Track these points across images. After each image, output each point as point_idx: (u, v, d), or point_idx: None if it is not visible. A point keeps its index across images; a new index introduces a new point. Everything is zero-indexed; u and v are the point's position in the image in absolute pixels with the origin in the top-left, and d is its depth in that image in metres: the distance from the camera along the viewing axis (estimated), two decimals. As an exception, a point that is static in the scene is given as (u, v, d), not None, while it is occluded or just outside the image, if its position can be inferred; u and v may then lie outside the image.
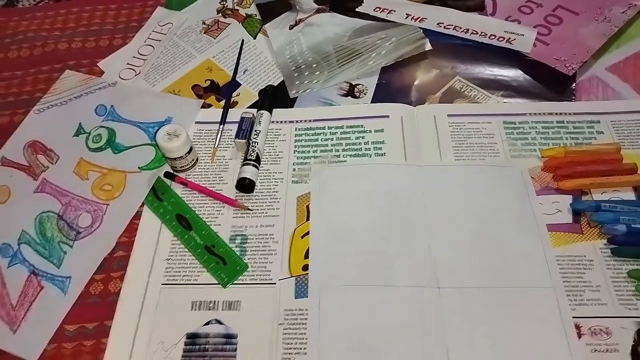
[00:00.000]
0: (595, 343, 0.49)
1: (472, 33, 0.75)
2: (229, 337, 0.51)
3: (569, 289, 0.52)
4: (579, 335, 0.49)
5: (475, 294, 0.52)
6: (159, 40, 0.79)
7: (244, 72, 0.74)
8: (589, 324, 0.50)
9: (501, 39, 0.73)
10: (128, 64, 0.76)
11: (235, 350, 0.50)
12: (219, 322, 0.52)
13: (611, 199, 0.58)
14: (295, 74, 0.73)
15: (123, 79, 0.74)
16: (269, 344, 0.51)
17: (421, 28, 0.75)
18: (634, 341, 0.49)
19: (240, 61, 0.75)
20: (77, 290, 0.55)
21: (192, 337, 0.51)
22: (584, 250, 0.55)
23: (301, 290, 0.54)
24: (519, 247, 0.55)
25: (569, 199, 0.58)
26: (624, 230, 0.54)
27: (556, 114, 0.66)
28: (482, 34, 0.74)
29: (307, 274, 0.55)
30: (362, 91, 0.71)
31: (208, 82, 0.73)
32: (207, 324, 0.52)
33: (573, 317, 0.50)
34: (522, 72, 0.71)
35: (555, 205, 0.58)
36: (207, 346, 0.51)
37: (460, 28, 0.75)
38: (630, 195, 0.59)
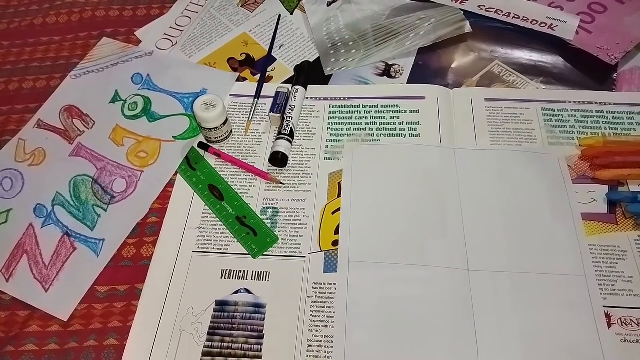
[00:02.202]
0: (625, 333, 0.49)
1: (513, 17, 0.73)
2: (258, 307, 0.52)
3: (600, 278, 0.52)
4: (609, 325, 0.49)
5: (505, 278, 0.52)
6: (196, 12, 0.79)
7: (280, 48, 0.74)
8: (620, 314, 0.50)
9: (543, 24, 0.72)
10: (165, 34, 0.76)
11: (264, 319, 0.51)
12: (248, 291, 0.53)
13: (649, 191, 0.57)
14: (332, 52, 0.72)
15: (160, 49, 0.74)
16: (297, 315, 0.51)
17: (462, 10, 0.74)
18: (665, 334, 0.48)
19: (277, 36, 0.75)
20: (110, 252, 0.56)
21: (221, 305, 0.52)
22: (618, 240, 0.54)
23: (330, 265, 0.54)
24: (552, 234, 0.54)
25: (605, 189, 0.58)
26: (660, 223, 0.53)
27: (596, 103, 0.65)
28: (524, 18, 0.73)
29: (336, 249, 0.55)
30: (398, 71, 0.71)
31: (244, 56, 0.73)
32: (236, 292, 0.53)
33: (604, 307, 0.50)
34: (562, 60, 0.70)
35: (591, 194, 0.57)
36: (235, 314, 0.52)
37: (502, 12, 0.74)
38: (668, 189, 0.58)
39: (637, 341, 0.48)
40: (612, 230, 0.55)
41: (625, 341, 0.48)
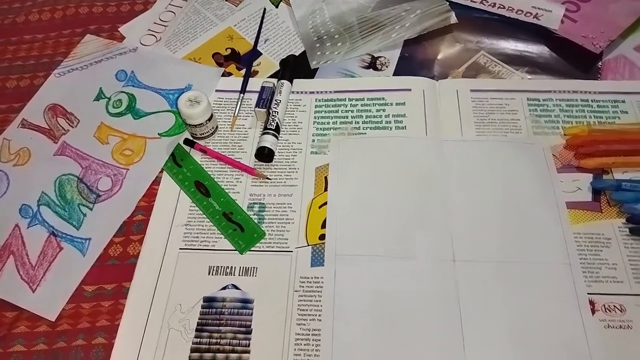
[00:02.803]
0: (609, 319, 0.49)
1: (499, 7, 0.73)
2: (246, 302, 0.52)
3: (585, 266, 0.52)
4: (593, 312, 0.50)
5: (491, 268, 0.52)
6: (180, 7, 0.78)
7: (265, 42, 0.74)
8: (604, 300, 0.50)
9: (528, 14, 0.72)
10: (149, 29, 0.76)
11: (252, 314, 0.51)
12: (235, 287, 0.53)
13: (633, 178, 0.57)
14: (317, 45, 0.72)
15: (144, 44, 0.74)
16: (285, 309, 0.51)
17: (447, 0, 0.74)
18: (648, 319, 0.49)
19: (262, 30, 0.75)
20: (96, 251, 0.56)
21: (209, 301, 0.52)
22: (603, 228, 0.54)
23: (317, 259, 0.54)
24: (537, 223, 0.55)
25: (589, 177, 0.58)
26: (644, 211, 0.54)
27: (581, 92, 0.65)
28: (509, 8, 0.73)
29: (323, 243, 0.55)
30: (384, 64, 0.71)
31: (229, 51, 0.73)
32: (224, 288, 0.53)
33: (588, 294, 0.51)
34: (548, 49, 0.70)
35: (575, 183, 0.57)
36: (223, 310, 0.52)
37: (487, 2, 0.73)
38: (652, 176, 0.58)
39: (621, 327, 0.49)
40: (597, 218, 0.55)
41: (609, 327, 0.49)
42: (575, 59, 0.69)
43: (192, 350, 0.50)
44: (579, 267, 0.52)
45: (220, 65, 0.71)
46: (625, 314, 0.49)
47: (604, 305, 0.50)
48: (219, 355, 0.49)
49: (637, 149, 0.59)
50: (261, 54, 0.72)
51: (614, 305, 0.50)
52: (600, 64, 0.68)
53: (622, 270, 0.52)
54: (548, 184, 0.57)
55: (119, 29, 0.77)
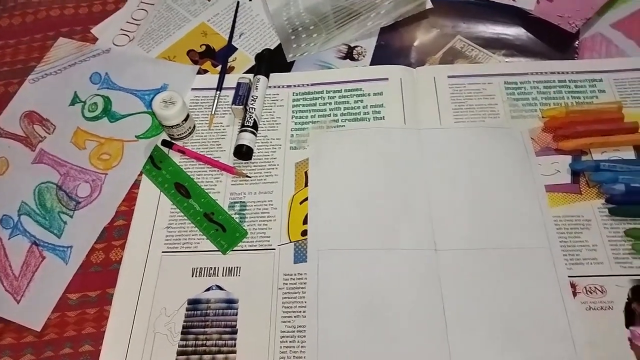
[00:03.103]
0: (590, 301, 0.50)
1: (473, -10, 0.72)
2: (230, 302, 0.52)
3: (565, 248, 0.52)
4: (574, 294, 0.50)
5: (472, 256, 0.53)
6: (152, 4, 0.77)
7: (240, 36, 0.73)
8: (585, 282, 0.51)
9: (503, -5, 0.71)
10: (122, 29, 0.75)
11: (237, 314, 0.51)
12: (219, 287, 0.53)
13: (611, 158, 0.58)
14: (293, 37, 0.71)
15: (117, 45, 0.73)
16: (269, 307, 0.51)
17: (421, -14, 0.73)
18: (628, 298, 0.50)
19: (236, 24, 0.74)
20: (78, 259, 0.56)
21: (194, 303, 0.52)
22: (582, 210, 0.55)
23: (300, 255, 0.54)
24: (516, 208, 0.55)
25: (568, 159, 0.58)
26: (622, 190, 0.54)
27: (558, 72, 0.65)
28: (484, -10, 0.72)
29: (306, 239, 0.55)
30: (361, 53, 0.70)
31: (203, 47, 0.72)
32: (208, 289, 0.53)
33: (569, 277, 0.51)
34: (524, 31, 0.70)
35: (554, 165, 0.58)
36: (208, 311, 0.52)
37: (461, -15, 0.73)
38: (630, 155, 0.58)
39: (602, 308, 0.49)
40: (576, 200, 0.55)
41: (590, 309, 0.49)
42: (552, 40, 0.68)
43: (179, 354, 0.50)
44: (559, 250, 0.52)
45: (195, 62, 0.70)
46: (606, 295, 0.50)
47: (585, 287, 0.50)
48: (205, 356, 0.50)
49: (615, 128, 0.59)
50: (236, 49, 0.71)
51: (595, 287, 0.50)
52: (577, 43, 0.68)
53: (602, 251, 0.52)
54: (526, 168, 0.57)
55: (91, 31, 0.75)
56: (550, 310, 0.49)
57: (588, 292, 0.50)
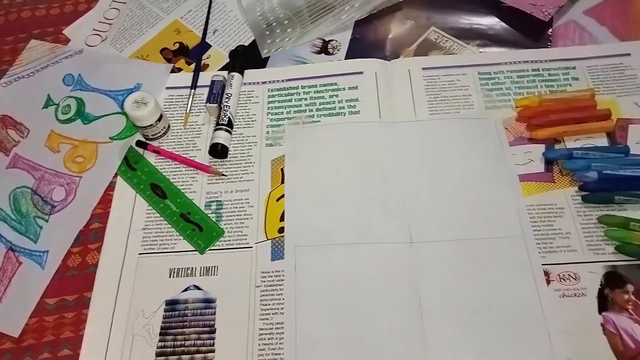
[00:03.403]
0: (564, 288, 0.50)
1: (446, -20, 0.72)
2: (208, 302, 0.52)
3: (538, 237, 0.53)
4: (548, 282, 0.51)
5: (447, 247, 0.53)
6: (124, 3, 0.76)
7: (214, 33, 0.72)
8: (558, 270, 0.51)
9: (476, -16, 0.71)
10: (94, 29, 0.74)
11: (215, 313, 0.52)
12: (197, 287, 0.53)
13: (584, 146, 0.58)
14: (267, 32, 0.71)
15: (89, 45, 0.72)
16: (247, 306, 0.52)
17: (394, -23, 0.73)
18: (601, 284, 0.50)
19: (210, 21, 0.73)
20: (55, 264, 0.56)
21: (172, 304, 0.52)
22: (555, 198, 0.55)
23: (277, 253, 0.54)
24: (490, 199, 0.55)
25: (542, 148, 0.58)
26: (595, 177, 0.54)
27: (531, 61, 0.65)
28: (457, -20, 0.72)
29: (283, 236, 0.55)
30: (336, 47, 0.70)
31: (177, 45, 0.71)
32: (186, 290, 0.53)
33: (542, 265, 0.51)
34: (498, 20, 0.70)
35: (528, 155, 0.58)
36: (186, 311, 0.52)
37: (434, -25, 0.73)
38: (603, 142, 0.59)
39: (575, 294, 0.50)
40: (549, 189, 0.56)
41: (563, 296, 0.50)
42: (525, 28, 0.68)
43: (158, 355, 0.50)
44: (532, 239, 0.53)
45: (169, 61, 0.70)
46: (579, 282, 0.50)
47: (559, 275, 0.51)
48: (184, 357, 0.50)
49: (588, 115, 0.59)
50: (210, 46, 0.71)
51: (569, 274, 0.51)
52: (550, 31, 0.68)
53: (575, 238, 0.53)
54: (500, 159, 0.57)
55: (63, 32, 0.74)
56: (524, 298, 0.50)
57: (562, 280, 0.51)
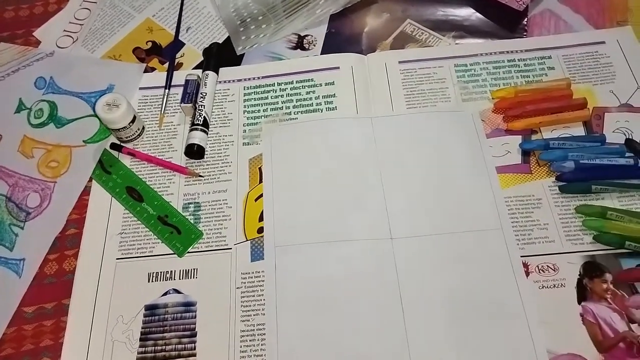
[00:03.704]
0: (542, 280, 0.51)
1: (420, -29, 0.72)
2: (188, 305, 0.52)
3: (517, 229, 0.53)
4: (527, 274, 0.51)
5: (427, 242, 0.53)
6: (95, 2, 0.74)
7: (187, 30, 0.71)
8: (537, 261, 0.51)
9: (450, -25, 0.71)
10: (65, 30, 0.72)
11: (195, 317, 0.51)
12: (177, 291, 0.53)
13: (561, 135, 0.58)
14: (241, 29, 0.70)
15: (60, 47, 0.70)
16: (228, 307, 0.51)
17: (368, -31, 0.72)
18: (579, 275, 0.50)
19: (182, 18, 0.72)
20: (31, 271, 0.55)
21: (151, 309, 0.52)
22: (533, 189, 0.55)
23: (257, 253, 0.54)
24: (468, 192, 0.55)
25: (519, 139, 0.58)
26: (572, 167, 0.54)
27: (507, 52, 0.65)
28: (431, -29, 0.71)
29: (262, 236, 0.55)
30: (312, 42, 0.69)
31: (149, 44, 0.70)
32: (165, 294, 0.52)
33: (521, 257, 0.52)
34: (473, 11, 0.69)
35: (505, 146, 0.58)
36: (166, 316, 0.51)
37: (408, -33, 0.72)
38: (580, 131, 0.59)
39: (554, 286, 0.50)
40: (527, 180, 0.56)
41: (543, 287, 0.50)
42: (501, 19, 0.68)
43: (138, 360, 0.50)
44: (511, 231, 0.53)
45: (142, 60, 0.69)
46: (558, 272, 0.51)
47: (538, 266, 0.51)
48: (165, 362, 0.49)
49: (565, 105, 0.60)
50: (184, 44, 0.70)
51: (547, 266, 0.51)
52: (525, 20, 0.68)
53: (553, 229, 0.53)
54: (477, 151, 0.57)
55: (33, 34, 0.73)
56: (503, 291, 0.50)
57: (540, 271, 0.51)
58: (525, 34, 0.67)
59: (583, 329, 0.48)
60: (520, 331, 0.48)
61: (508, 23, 0.68)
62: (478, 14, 0.69)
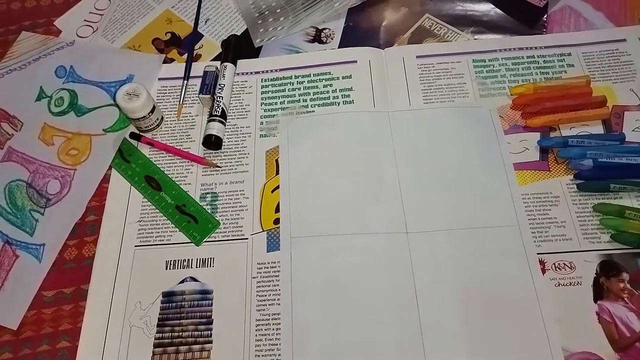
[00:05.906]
0: (559, 277, 0.50)
1: (440, -34, 0.71)
2: (205, 293, 0.53)
3: (534, 226, 0.53)
4: (543, 271, 0.51)
5: (442, 237, 0.53)
6: (115, -7, 0.75)
7: (206, 22, 0.71)
8: (553, 259, 0.51)
9: (470, -29, 0.70)
10: (85, 20, 0.73)
11: (211, 305, 0.52)
12: (193, 279, 0.53)
13: (579, 133, 0.58)
14: (259, 21, 0.70)
15: (81, 36, 0.71)
16: (244, 296, 0.52)
17: (388, -36, 0.72)
18: (596, 273, 0.50)
19: (201, 10, 0.72)
20: (51, 257, 0.56)
21: (168, 295, 0.53)
22: (551, 187, 0.55)
23: (273, 244, 0.54)
24: (485, 187, 0.55)
25: (537, 136, 0.58)
26: (590, 165, 0.54)
27: (526, 48, 0.65)
28: (451, -34, 0.71)
29: (278, 227, 0.55)
30: (329, 36, 0.69)
31: (169, 35, 0.70)
32: (183, 281, 0.53)
33: (538, 254, 0.52)
34: (492, 6, 0.69)
35: (523, 143, 0.58)
36: (183, 303, 0.52)
37: (428, -38, 0.72)
38: (599, 129, 0.59)
39: (570, 284, 0.50)
40: (545, 177, 0.56)
41: (559, 285, 0.50)
42: (520, 15, 0.68)
43: (155, 346, 0.50)
44: (528, 228, 0.53)
45: (161, 51, 0.69)
46: (574, 270, 0.51)
47: (554, 264, 0.51)
48: (181, 348, 0.50)
49: (584, 102, 0.59)
50: (202, 35, 0.70)
51: (564, 263, 0.51)
52: (545, 17, 0.67)
53: (570, 227, 0.53)
54: (495, 147, 0.57)
55: (54, 23, 0.74)
56: (519, 288, 0.50)
57: (557, 269, 0.51)
58: (544, 30, 0.66)
59: (599, 328, 0.48)
60: (536, 328, 0.48)
61: (528, 19, 0.67)
62: (497, 10, 0.69)
